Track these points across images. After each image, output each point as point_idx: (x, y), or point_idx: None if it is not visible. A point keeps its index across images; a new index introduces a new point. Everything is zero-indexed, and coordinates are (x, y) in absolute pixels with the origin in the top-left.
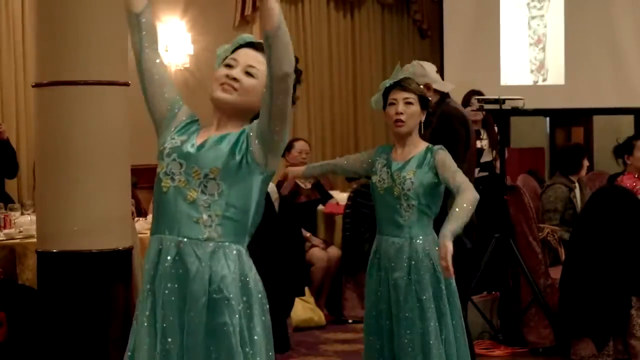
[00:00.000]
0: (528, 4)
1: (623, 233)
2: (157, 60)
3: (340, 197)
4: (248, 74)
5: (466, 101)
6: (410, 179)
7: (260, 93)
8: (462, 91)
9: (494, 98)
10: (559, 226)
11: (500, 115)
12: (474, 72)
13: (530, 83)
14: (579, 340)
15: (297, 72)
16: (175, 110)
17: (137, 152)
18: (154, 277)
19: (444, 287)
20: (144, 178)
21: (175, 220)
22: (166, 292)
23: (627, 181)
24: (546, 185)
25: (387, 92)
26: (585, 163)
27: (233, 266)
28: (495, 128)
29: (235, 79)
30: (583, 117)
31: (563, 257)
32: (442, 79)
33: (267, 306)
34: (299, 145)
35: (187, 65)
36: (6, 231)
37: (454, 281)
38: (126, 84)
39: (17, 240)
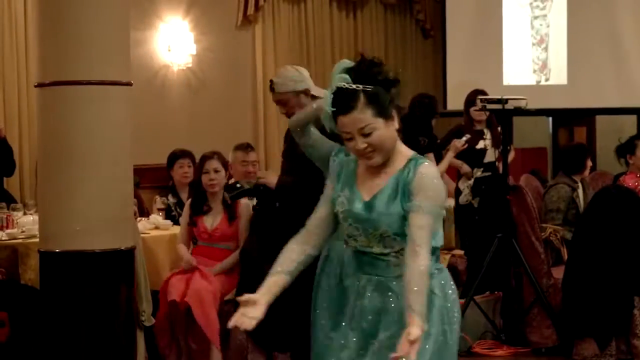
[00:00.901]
0: (531, 3)
1: (625, 233)
2: (323, 222)
3: None
4: (365, 134)
5: (470, 101)
6: None
7: (391, 129)
8: (465, 91)
9: (496, 98)
10: (561, 226)
11: (503, 115)
12: (476, 72)
13: (533, 83)
14: (581, 340)
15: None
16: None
17: (139, 151)
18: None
19: None
20: (146, 178)
21: (369, 265)
22: (368, 318)
23: (629, 181)
24: (549, 185)
25: None
26: (589, 163)
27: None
28: (499, 128)
29: (365, 149)
30: (586, 117)
31: (566, 257)
32: (445, 79)
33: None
34: None
35: (190, 65)
36: (8, 231)
37: None
38: (129, 84)
39: (20, 240)
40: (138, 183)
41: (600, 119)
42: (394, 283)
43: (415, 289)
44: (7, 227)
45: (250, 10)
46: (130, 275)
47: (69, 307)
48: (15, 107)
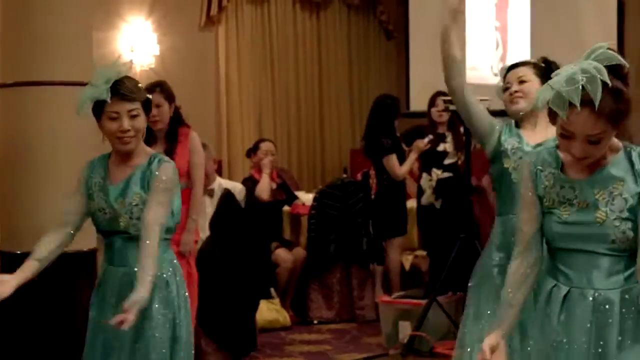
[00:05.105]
0: (495, 4)
1: None
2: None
3: (306, 198)
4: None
5: (432, 102)
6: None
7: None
8: (428, 92)
9: None
10: None
11: None
12: (440, 73)
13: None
14: None
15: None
16: None
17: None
18: None
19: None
20: None
21: None
22: None
23: None
24: None
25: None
26: None
27: None
28: (461, 129)
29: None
30: None
31: None
32: (408, 80)
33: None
34: (265, 145)
35: (152, 66)
36: None
37: None
38: None
39: None
40: None
41: None
42: None
43: None
44: None
45: (214, 11)
46: (92, 276)
47: (29, 308)
48: None
